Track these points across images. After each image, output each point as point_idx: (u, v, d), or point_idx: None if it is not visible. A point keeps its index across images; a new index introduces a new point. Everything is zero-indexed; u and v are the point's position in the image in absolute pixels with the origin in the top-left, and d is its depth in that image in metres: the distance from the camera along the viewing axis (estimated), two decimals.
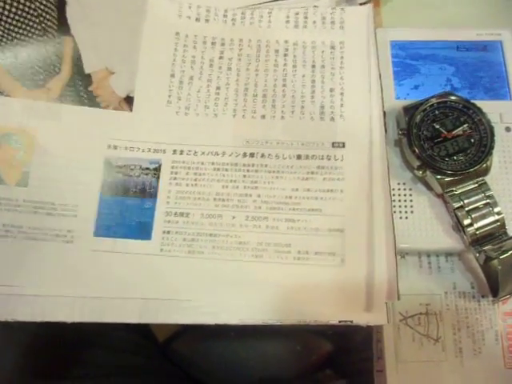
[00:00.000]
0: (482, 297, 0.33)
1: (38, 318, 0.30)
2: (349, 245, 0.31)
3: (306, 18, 0.37)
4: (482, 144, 0.33)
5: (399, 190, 0.34)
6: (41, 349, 0.38)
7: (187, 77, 0.36)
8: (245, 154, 0.34)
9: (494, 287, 0.31)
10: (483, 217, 0.32)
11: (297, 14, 0.37)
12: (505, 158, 0.34)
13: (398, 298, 0.29)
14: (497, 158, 0.34)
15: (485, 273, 0.32)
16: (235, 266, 0.31)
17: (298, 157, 0.33)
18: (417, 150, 0.32)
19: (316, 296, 0.31)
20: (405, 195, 0.34)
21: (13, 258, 0.32)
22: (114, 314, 0.30)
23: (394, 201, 0.34)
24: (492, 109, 0.34)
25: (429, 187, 0.34)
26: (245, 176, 0.33)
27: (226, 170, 0.33)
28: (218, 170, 0.34)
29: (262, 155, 0.34)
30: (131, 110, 0.35)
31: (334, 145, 0.34)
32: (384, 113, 0.34)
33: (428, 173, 0.33)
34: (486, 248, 0.31)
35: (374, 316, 0.30)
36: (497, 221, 0.31)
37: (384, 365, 0.32)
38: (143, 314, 0.30)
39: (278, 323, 0.30)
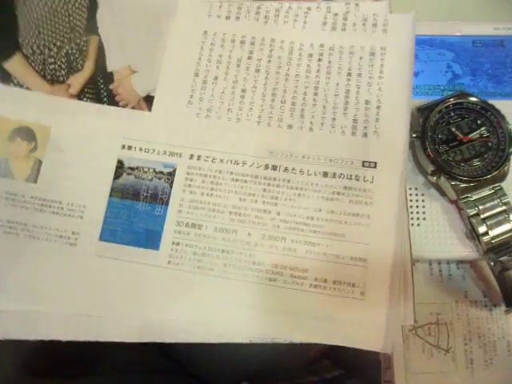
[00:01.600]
0: (494, 306, 0.32)
1: (32, 337, 0.29)
2: (371, 277, 0.29)
3: (345, 19, 0.34)
4: (499, 148, 0.31)
5: (411, 195, 0.33)
6: (42, 347, 0.37)
7: (212, 76, 0.33)
8: (267, 166, 0.31)
9: (508, 298, 0.30)
10: (499, 224, 0.30)
11: (336, 14, 0.34)
12: None
13: (415, 321, 0.28)
14: None
15: (499, 283, 0.30)
16: (246, 288, 0.29)
17: (325, 174, 0.31)
18: (432, 155, 0.31)
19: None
20: (417, 201, 0.33)
21: (11, 256, 0.30)
22: (112, 333, 0.29)
23: None
24: (507, 109, 0.32)
25: (442, 192, 0.32)
26: (265, 190, 0.31)
27: (245, 181, 0.31)
28: (237, 180, 0.31)
29: (286, 169, 0.31)
30: (150, 110, 0.33)
31: (364, 164, 0.31)
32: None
33: (442, 178, 0.31)
34: (502, 259, 0.30)
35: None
36: None
37: (393, 375, 0.32)
38: (143, 332, 0.29)
39: (288, 341, 0.28)
